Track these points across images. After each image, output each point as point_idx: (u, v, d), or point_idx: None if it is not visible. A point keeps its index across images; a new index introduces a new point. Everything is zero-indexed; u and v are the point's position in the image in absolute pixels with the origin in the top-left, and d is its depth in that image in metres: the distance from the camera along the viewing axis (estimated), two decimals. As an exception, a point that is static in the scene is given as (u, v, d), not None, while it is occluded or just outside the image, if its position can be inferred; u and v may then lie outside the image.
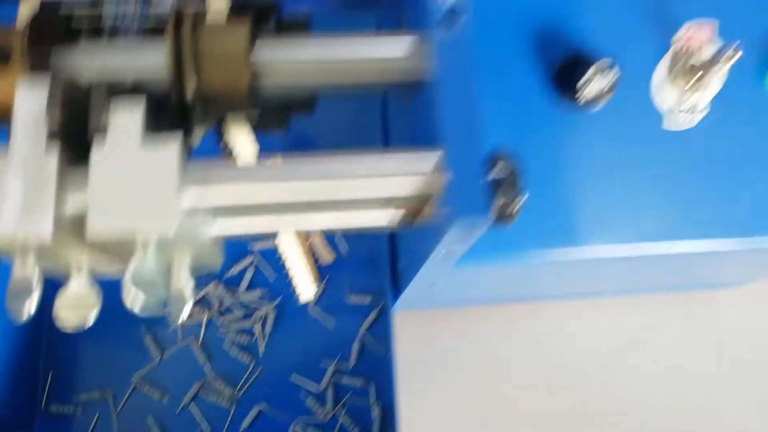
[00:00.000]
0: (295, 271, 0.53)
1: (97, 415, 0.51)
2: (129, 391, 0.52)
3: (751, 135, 0.34)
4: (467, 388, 0.59)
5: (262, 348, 0.54)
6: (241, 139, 0.33)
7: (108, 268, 0.30)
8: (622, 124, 0.34)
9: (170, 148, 0.24)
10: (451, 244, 0.29)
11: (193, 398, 0.52)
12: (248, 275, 0.55)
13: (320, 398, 0.53)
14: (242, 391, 0.53)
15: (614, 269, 0.44)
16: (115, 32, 0.31)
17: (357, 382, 0.53)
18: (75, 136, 0.25)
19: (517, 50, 0.34)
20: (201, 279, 0.55)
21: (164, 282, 0.28)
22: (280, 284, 0.55)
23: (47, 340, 0.53)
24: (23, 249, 0.24)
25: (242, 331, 0.54)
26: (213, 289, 0.54)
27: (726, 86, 0.33)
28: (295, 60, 0.30)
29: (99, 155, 0.24)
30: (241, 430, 0.52)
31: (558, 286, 0.51)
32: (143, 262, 0.25)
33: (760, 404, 0.61)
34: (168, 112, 0.27)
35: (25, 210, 0.23)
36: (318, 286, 0.54)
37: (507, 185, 0.28)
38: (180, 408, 0.52)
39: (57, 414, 0.51)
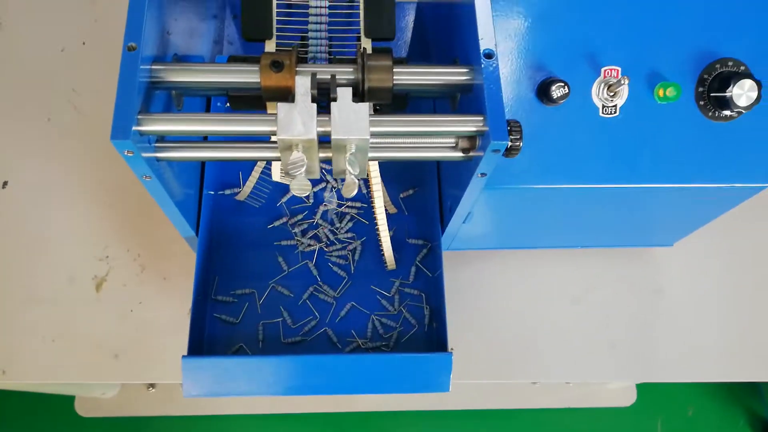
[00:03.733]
0: (381, 222, 0.81)
1: (246, 304, 0.80)
2: (268, 290, 0.80)
3: (646, 121, 0.65)
4: (481, 303, 0.87)
5: (352, 268, 0.83)
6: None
7: (315, 173, 0.60)
8: (573, 113, 0.64)
9: (363, 107, 0.55)
10: (486, 163, 0.58)
11: (309, 297, 0.81)
12: (347, 225, 0.84)
13: (390, 300, 0.81)
14: (340, 294, 0.81)
15: (577, 210, 0.73)
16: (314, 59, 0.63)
17: (414, 292, 0.82)
18: (321, 99, 0.55)
19: (518, 77, 0.65)
20: (314, 226, 0.84)
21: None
22: (367, 232, 0.84)
23: (216, 256, 0.81)
24: (297, 146, 0.54)
25: (340, 257, 0.83)
26: (322, 231, 0.84)
27: (630, 95, 0.64)
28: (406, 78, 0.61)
29: (335, 108, 0.54)
30: (339, 317, 0.80)
31: (537, 231, 0.80)
32: (350, 157, 0.55)
33: (690, 345, 0.88)
34: (358, 95, 0.58)
35: (304, 128, 0.53)
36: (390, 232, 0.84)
37: (515, 134, 0.57)
38: (301, 302, 0.80)
39: (221, 301, 0.79)
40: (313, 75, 0.57)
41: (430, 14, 0.90)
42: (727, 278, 0.91)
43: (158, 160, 0.58)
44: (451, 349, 0.79)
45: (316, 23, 0.65)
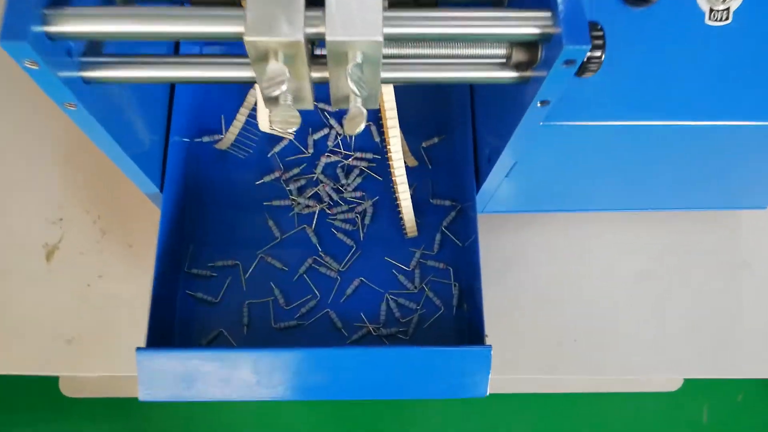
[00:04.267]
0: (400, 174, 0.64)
1: (229, 278, 0.63)
2: (256, 262, 0.64)
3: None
4: (524, 279, 0.70)
5: (362, 235, 0.66)
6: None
7: (307, 101, 0.42)
8: (669, 19, 0.46)
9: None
10: (549, 87, 0.41)
11: (307, 270, 0.64)
12: (354, 182, 0.67)
13: (409, 276, 0.64)
14: (346, 267, 0.64)
15: (661, 157, 0.55)
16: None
17: (439, 265, 0.65)
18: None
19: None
20: (314, 182, 0.67)
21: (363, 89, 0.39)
22: (380, 190, 0.67)
23: (189, 219, 0.65)
24: (277, 53, 0.37)
25: (346, 221, 0.66)
26: (323, 188, 0.67)
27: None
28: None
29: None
30: (345, 296, 0.63)
31: (598, 188, 0.62)
32: (354, 71, 0.37)
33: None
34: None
35: (286, 25, 0.36)
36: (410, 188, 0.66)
37: (597, 41, 0.39)
38: (296, 276, 0.64)
39: (196, 275, 0.63)
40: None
41: None
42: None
43: (85, 81, 0.41)
44: (487, 337, 0.63)
45: None
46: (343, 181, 0.67)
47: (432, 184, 0.68)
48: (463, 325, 0.62)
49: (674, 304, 0.70)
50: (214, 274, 0.63)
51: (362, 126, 0.41)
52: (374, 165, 0.68)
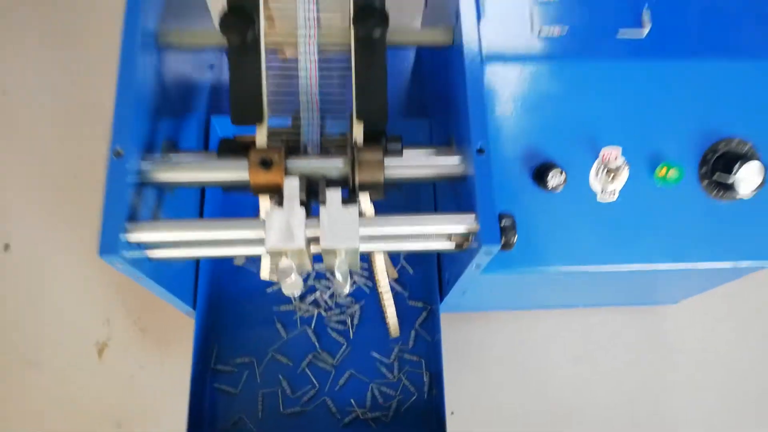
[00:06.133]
0: (384, 290, 0.80)
1: (246, 372, 0.80)
2: (267, 358, 0.80)
3: (645, 204, 0.63)
4: (482, 364, 0.86)
5: (351, 334, 0.82)
6: (368, 205, 0.62)
7: (307, 270, 0.59)
8: (570, 199, 0.63)
9: (354, 212, 0.54)
10: (479, 259, 0.57)
11: (308, 365, 0.80)
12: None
13: (389, 367, 0.81)
14: (339, 361, 0.81)
15: (578, 283, 0.72)
16: (306, 149, 0.62)
17: (414, 358, 0.81)
18: (309, 201, 0.54)
19: (513, 162, 0.63)
20: (313, 288, 0.84)
21: (344, 275, 0.56)
22: (366, 294, 0.84)
23: (214, 325, 0.81)
24: (287, 253, 0.53)
25: (339, 322, 0.83)
26: (320, 296, 0.83)
27: (630, 178, 0.62)
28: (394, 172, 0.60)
29: (324, 214, 0.53)
30: (338, 385, 0.80)
31: (539, 298, 0.79)
32: (340, 261, 0.54)
33: (697, 395, 0.87)
34: (349, 191, 0.57)
35: (292, 237, 0.53)
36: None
37: (509, 229, 0.56)
38: (299, 370, 0.80)
39: (221, 371, 0.80)
40: (302, 177, 0.56)
41: (428, 67, 0.88)
42: (735, 335, 0.89)
43: (150, 260, 0.58)
44: (451, 413, 0.79)
45: (307, 101, 0.63)
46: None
47: (410, 288, 0.85)
48: (432, 406, 0.79)
49: (610, 383, 0.86)
50: (234, 369, 0.80)
51: (347, 291, 0.58)
52: (364, 274, 0.85)
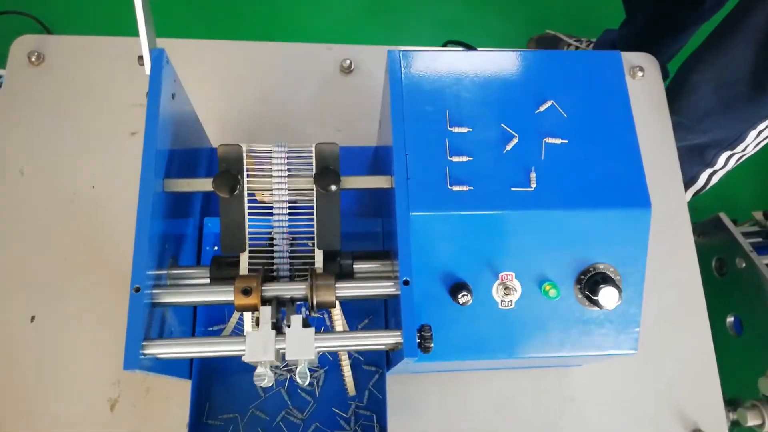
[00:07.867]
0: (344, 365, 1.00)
1: (231, 426, 1.00)
2: (248, 414, 1.00)
3: (535, 311, 0.84)
4: (423, 415, 1.07)
5: (317, 392, 1.02)
6: (338, 319, 0.82)
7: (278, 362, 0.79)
8: (478, 308, 0.83)
9: (310, 334, 0.73)
10: (406, 360, 0.78)
11: (281, 419, 1.01)
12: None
13: (347, 421, 1.01)
14: (307, 415, 1.01)
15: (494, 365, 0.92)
16: (278, 275, 0.82)
17: (367, 413, 1.02)
18: (279, 324, 0.74)
19: (434, 283, 0.83)
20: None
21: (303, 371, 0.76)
22: (329, 361, 1.04)
23: (208, 388, 1.01)
24: (262, 362, 0.73)
25: (308, 384, 1.03)
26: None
27: (523, 292, 0.83)
28: (345, 292, 0.80)
29: (289, 334, 0.73)
30: (306, 436, 1.00)
31: (465, 366, 1.00)
32: (302, 366, 0.74)
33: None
34: (309, 309, 0.77)
35: (265, 352, 0.72)
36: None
37: (426, 339, 0.76)
38: (275, 423, 1.00)
39: (211, 425, 0.99)
40: (273, 301, 0.76)
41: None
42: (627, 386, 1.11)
43: (157, 358, 0.78)
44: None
45: (279, 239, 0.83)
46: (305, 355, 1.04)
47: (365, 355, 1.05)
48: (381, 454, 0.99)
49: (529, 429, 1.08)
50: (221, 423, 1.00)
51: (308, 382, 0.78)
52: (325, 342, 1.05)
